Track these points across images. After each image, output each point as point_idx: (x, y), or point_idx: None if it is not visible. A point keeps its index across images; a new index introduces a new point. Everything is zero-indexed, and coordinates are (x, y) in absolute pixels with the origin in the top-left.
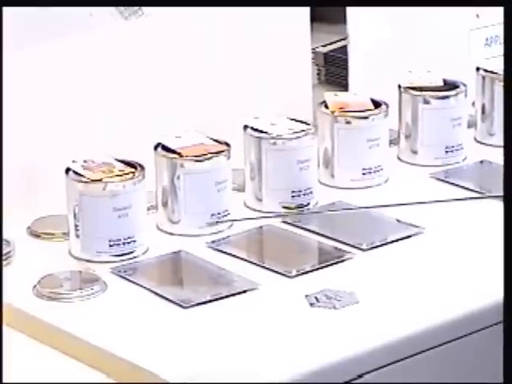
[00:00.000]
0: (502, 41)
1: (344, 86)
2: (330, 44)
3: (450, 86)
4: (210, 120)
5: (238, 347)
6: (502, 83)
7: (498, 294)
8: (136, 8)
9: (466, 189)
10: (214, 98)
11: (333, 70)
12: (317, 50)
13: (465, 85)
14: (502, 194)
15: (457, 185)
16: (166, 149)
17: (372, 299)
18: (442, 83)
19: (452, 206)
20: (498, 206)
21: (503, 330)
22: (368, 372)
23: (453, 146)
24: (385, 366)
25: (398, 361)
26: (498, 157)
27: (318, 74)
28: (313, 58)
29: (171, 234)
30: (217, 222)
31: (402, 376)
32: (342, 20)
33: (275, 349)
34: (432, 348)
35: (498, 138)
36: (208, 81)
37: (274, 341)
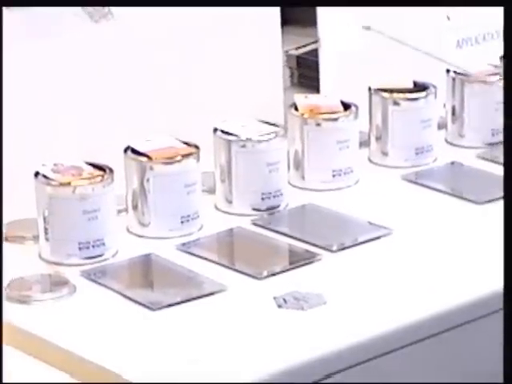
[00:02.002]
0: (473, 42)
1: (316, 89)
2: (303, 47)
3: (419, 87)
4: (179, 123)
5: (206, 349)
6: (472, 84)
7: (467, 295)
8: (106, 10)
9: (437, 190)
10: (185, 100)
11: (305, 72)
12: (289, 52)
13: (435, 86)
14: (473, 196)
15: (428, 186)
16: (135, 152)
17: (340, 300)
18: (412, 85)
19: (422, 208)
20: (468, 207)
21: (503, 329)
22: (336, 372)
23: (423, 148)
24: (352, 366)
25: (366, 361)
26: (468, 158)
27: (291, 77)
28: (285, 61)
29: (141, 236)
30: None
31: (370, 376)
32: (314, 22)
33: (243, 350)
34: (400, 348)
35: (469, 140)
36: (178, 83)
37: (242, 342)
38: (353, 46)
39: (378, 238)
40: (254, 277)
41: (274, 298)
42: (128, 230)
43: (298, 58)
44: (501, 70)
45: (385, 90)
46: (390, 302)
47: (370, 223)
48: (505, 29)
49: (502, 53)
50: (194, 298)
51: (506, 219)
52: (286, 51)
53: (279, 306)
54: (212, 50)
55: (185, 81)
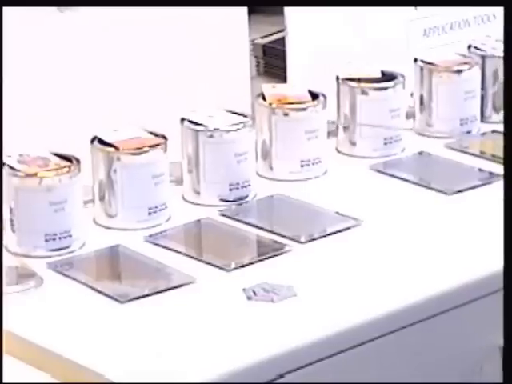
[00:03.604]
0: (440, 32)
1: (283, 78)
2: (269, 35)
3: (388, 77)
4: (146, 113)
5: (173, 343)
6: (440, 74)
7: (438, 285)
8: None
9: (406, 180)
10: (151, 90)
11: (272, 61)
12: (255, 41)
13: (403, 76)
14: (442, 186)
15: (396, 176)
16: (102, 142)
17: (310, 292)
18: (380, 74)
19: (390, 198)
20: (436, 197)
21: (503, 329)
22: (306, 365)
23: (391, 138)
24: (324, 358)
25: (337, 353)
26: (436, 148)
27: (257, 66)
28: (251, 50)
29: (108, 228)
30: None
31: (341, 369)
32: (280, 11)
33: (211, 343)
34: (371, 340)
35: (437, 129)
36: (145, 73)
37: (210, 335)
38: (319, 34)
39: (347, 228)
40: (222, 268)
41: (244, 290)
42: (95, 222)
43: (264, 46)
44: (468, 59)
45: (353, 80)
46: (360, 294)
47: (339, 214)
48: (505, 29)
49: (469, 42)
50: (162, 291)
51: (505, 219)
52: (252, 40)
53: (249, 298)
54: (179, 39)
55: (151, 71)
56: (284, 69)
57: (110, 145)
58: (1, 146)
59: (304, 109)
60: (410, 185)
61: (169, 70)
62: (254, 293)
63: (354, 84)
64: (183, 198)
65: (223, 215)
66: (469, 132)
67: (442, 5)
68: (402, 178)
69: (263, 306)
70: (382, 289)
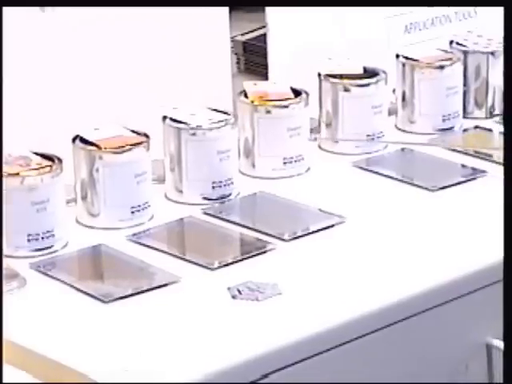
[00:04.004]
0: (421, 27)
1: (264, 76)
2: (249, 32)
3: (370, 73)
4: (128, 111)
5: (159, 342)
6: (422, 70)
7: (422, 284)
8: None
9: (388, 177)
10: (133, 88)
11: (252, 58)
12: (236, 38)
13: (385, 72)
14: (424, 183)
15: (379, 173)
16: (84, 141)
17: (295, 290)
18: (362, 71)
19: (373, 195)
20: (420, 194)
21: (503, 329)
22: (291, 364)
23: (374, 134)
24: (309, 357)
25: (322, 352)
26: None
27: (238, 63)
28: (232, 47)
29: (91, 227)
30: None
31: (326, 368)
32: (261, 8)
33: (196, 343)
34: (357, 338)
35: (419, 126)
36: (126, 71)
37: (195, 335)
38: (301, 31)
39: (330, 226)
40: (206, 267)
41: (228, 289)
42: (77, 221)
43: (245, 43)
44: (450, 55)
45: (335, 76)
46: (345, 292)
47: (322, 211)
48: (505, 29)
49: (450, 37)
50: (145, 290)
51: (505, 219)
52: (232, 37)
53: (233, 297)
54: (158, 36)
55: (132, 69)
56: (265, 66)
57: (92, 143)
58: (0, 146)
59: (286, 106)
60: (393, 181)
61: (150, 67)
62: (239, 291)
63: (335, 80)
64: (166, 196)
65: (206, 213)
66: (451, 128)
67: (443, 4)
68: (385, 175)
69: (248, 304)
70: (367, 286)
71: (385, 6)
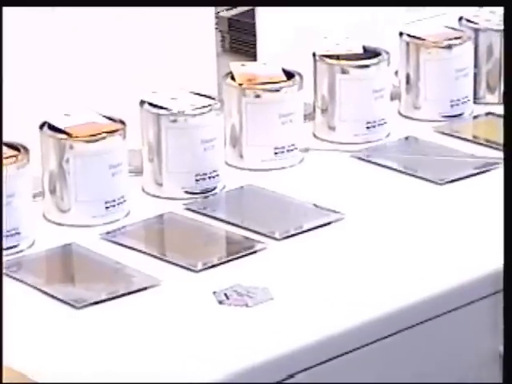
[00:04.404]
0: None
1: (252, 55)
2: (235, 7)
3: (370, 53)
4: (102, 95)
5: (137, 353)
6: (428, 50)
7: (428, 288)
8: None
9: (391, 169)
10: (108, 70)
11: (238, 36)
12: (220, 14)
13: (387, 52)
14: (430, 175)
15: (380, 164)
16: (53, 128)
17: (288, 295)
18: (361, 50)
19: (374, 189)
20: (426, 187)
21: (503, 329)
22: (287, 377)
23: (374, 121)
24: (306, 369)
25: (320, 364)
26: (424, 132)
27: (222, 41)
28: (216, 24)
29: (60, 224)
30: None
31: (324, 380)
32: None
33: (178, 354)
34: (358, 348)
35: (425, 112)
36: (99, 50)
37: (177, 344)
38: (292, 6)
39: (327, 223)
40: (189, 269)
41: (214, 294)
42: (45, 218)
43: (230, 20)
44: (460, 33)
45: (331, 57)
46: (344, 297)
47: (317, 207)
48: (505, 29)
49: (459, 15)
50: (122, 295)
51: (505, 219)
52: (217, 13)
53: (220, 303)
54: (135, 11)
55: (108, 48)
56: (253, 45)
57: (62, 131)
58: (0, 145)
59: (278, 90)
60: (395, 174)
61: (126, 46)
62: (226, 296)
63: (332, 61)
64: (143, 190)
65: (188, 209)
66: (460, 115)
67: (444, 5)
68: (386, 167)
69: (237, 310)
70: (368, 291)
71: (385, 6)
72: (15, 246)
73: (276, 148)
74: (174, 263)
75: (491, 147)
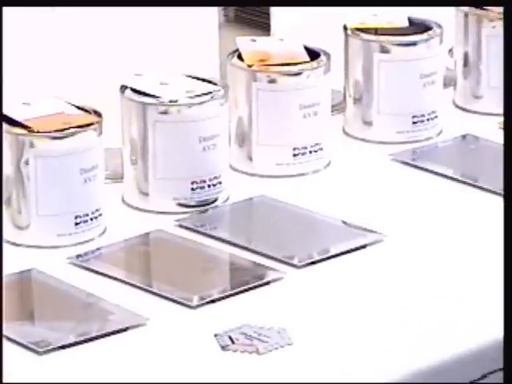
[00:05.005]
0: None
1: (264, 28)
2: None
3: (417, 27)
4: (72, 79)
5: None
6: (492, 23)
7: (486, 339)
8: None
9: (443, 176)
10: (79, 45)
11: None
12: None
13: (439, 26)
14: (493, 184)
15: (429, 170)
16: (9, 121)
17: (309, 339)
18: (406, 23)
19: (422, 201)
20: (487, 199)
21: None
22: None
23: (423, 115)
24: None
25: None
26: (486, 129)
27: (225, 11)
28: None
29: (16, 245)
30: None
31: None
32: None
33: None
34: None
35: (487, 103)
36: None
37: None
38: None
39: (361, 247)
40: (182, 304)
41: (216, 337)
42: None
43: None
44: None
45: (368, 31)
46: (379, 343)
47: (348, 225)
48: (505, 29)
49: None
50: (96, 337)
51: (505, 219)
52: None
53: (223, 348)
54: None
55: (79, 19)
56: (266, 13)
57: (20, 124)
58: (0, 143)
59: (298, 73)
60: (450, 183)
61: (104, 16)
62: (232, 340)
63: (369, 37)
64: (124, 201)
65: (182, 226)
66: None
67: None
68: (438, 174)
69: (244, 358)
70: (412, 337)
71: (385, 6)
72: None
73: (295, 148)
74: (163, 296)
75: None
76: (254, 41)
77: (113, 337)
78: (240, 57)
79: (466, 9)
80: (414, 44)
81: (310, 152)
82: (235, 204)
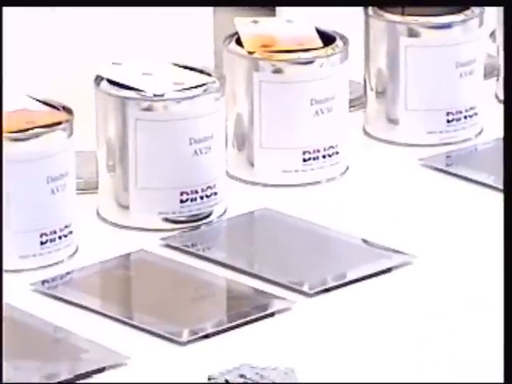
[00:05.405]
0: None
1: (268, 8)
2: None
3: (452, 7)
4: (39, 68)
5: None
6: None
7: None
8: None
9: (483, 185)
10: (49, 28)
11: None
12: None
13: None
14: None
15: (466, 178)
16: None
17: (322, 380)
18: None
19: (457, 214)
20: None
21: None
22: None
23: (460, 112)
24: None
25: None
26: None
27: None
28: None
29: None
30: None
31: None
32: None
33: None
34: None
35: None
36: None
37: None
38: None
39: (385, 270)
40: (170, 340)
41: (210, 380)
42: None
43: None
44: None
45: (393, 11)
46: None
47: (370, 244)
48: (505, 28)
49: None
50: (68, 380)
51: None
52: None
53: None
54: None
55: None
56: None
57: None
58: (0, 142)
59: (309, 61)
60: (490, 192)
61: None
62: (228, 383)
63: (395, 18)
64: (99, 215)
65: (169, 246)
66: None
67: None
68: (477, 182)
69: None
70: (445, 375)
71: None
72: None
73: (306, 152)
74: (146, 330)
75: None
76: (256, 22)
77: (86, 379)
78: (239, 42)
79: None
80: (448, 26)
81: (324, 156)
82: (233, 219)
